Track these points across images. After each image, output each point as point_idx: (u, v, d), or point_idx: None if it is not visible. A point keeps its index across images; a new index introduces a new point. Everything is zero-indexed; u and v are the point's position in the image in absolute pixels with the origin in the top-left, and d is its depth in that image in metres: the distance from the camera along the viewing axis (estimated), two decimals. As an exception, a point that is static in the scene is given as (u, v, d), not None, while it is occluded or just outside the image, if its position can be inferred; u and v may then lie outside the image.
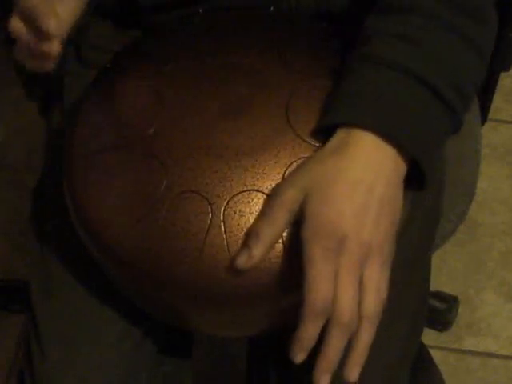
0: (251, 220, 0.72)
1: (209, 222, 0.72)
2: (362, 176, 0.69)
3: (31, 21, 0.74)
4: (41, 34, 0.73)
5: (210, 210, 0.73)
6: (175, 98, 0.79)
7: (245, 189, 0.73)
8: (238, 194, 0.73)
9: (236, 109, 0.77)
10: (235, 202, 0.73)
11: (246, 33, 0.84)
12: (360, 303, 0.69)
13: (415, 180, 0.74)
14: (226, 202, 0.73)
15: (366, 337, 0.71)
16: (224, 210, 0.73)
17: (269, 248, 0.71)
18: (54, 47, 0.74)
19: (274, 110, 0.76)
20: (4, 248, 1.55)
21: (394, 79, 0.72)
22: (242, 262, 0.70)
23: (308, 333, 0.69)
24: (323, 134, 0.74)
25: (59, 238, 0.91)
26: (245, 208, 0.73)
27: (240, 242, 0.72)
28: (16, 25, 0.75)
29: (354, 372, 0.70)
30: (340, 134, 0.71)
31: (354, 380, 0.70)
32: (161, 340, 0.90)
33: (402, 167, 0.72)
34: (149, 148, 0.76)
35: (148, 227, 0.73)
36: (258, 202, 0.73)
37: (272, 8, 0.86)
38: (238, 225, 0.72)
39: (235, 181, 0.73)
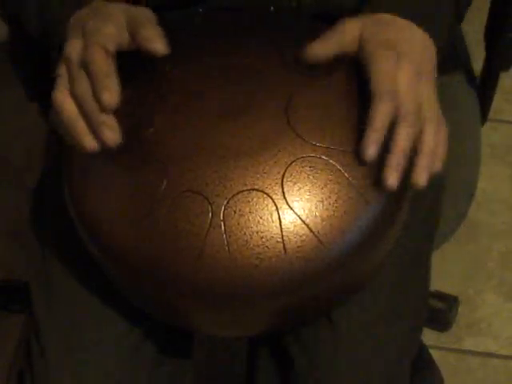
0: (251, 219, 0.72)
1: (209, 221, 0.72)
2: (407, 25, 0.77)
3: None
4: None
5: (210, 209, 0.73)
6: (175, 98, 0.79)
7: (245, 188, 0.73)
8: (237, 193, 0.73)
9: (236, 109, 0.77)
10: (235, 202, 0.73)
11: (247, 33, 0.83)
12: (419, 108, 0.73)
13: None
14: (226, 202, 0.73)
15: (430, 140, 0.73)
16: (224, 210, 0.73)
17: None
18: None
19: (273, 110, 0.76)
20: (4, 248, 1.55)
21: None
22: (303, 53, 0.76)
23: (379, 121, 0.71)
24: (323, 133, 0.74)
25: (59, 238, 0.91)
26: (245, 207, 0.73)
27: (240, 241, 0.72)
28: (67, 101, 0.75)
29: (422, 176, 0.72)
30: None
31: (423, 184, 0.72)
32: (161, 340, 0.90)
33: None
34: (149, 148, 0.76)
35: (148, 227, 0.73)
36: (257, 201, 0.73)
37: (272, 8, 0.86)
38: (238, 224, 0.72)
39: (235, 180, 0.73)
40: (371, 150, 0.71)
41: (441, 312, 1.45)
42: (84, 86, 0.73)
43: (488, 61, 1.10)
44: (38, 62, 1.07)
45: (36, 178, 1.01)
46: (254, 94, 0.77)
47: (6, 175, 1.65)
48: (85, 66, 0.74)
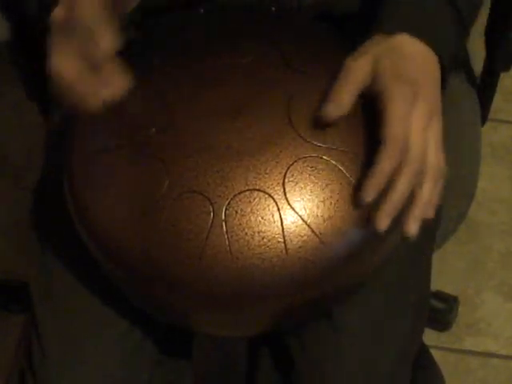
0: (252, 219, 0.72)
1: (210, 221, 0.72)
2: (417, 50, 0.76)
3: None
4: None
5: (211, 209, 0.73)
6: (176, 98, 0.79)
7: (246, 188, 0.73)
8: (239, 193, 0.73)
9: (237, 109, 0.77)
10: (237, 202, 0.73)
11: (248, 33, 0.83)
12: (425, 154, 0.72)
13: None
14: (227, 202, 0.73)
15: (427, 192, 0.72)
16: (225, 210, 0.73)
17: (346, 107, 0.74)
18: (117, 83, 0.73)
19: (275, 110, 0.76)
20: (4, 248, 1.55)
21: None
22: (329, 111, 0.74)
23: (385, 167, 0.70)
24: (325, 133, 0.74)
25: (59, 238, 0.91)
26: (246, 208, 0.73)
27: (241, 241, 0.72)
28: (65, 63, 0.73)
29: (414, 226, 0.71)
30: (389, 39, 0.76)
31: (413, 233, 0.72)
32: (161, 340, 0.90)
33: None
34: (150, 148, 0.76)
35: (149, 227, 0.73)
36: (259, 201, 0.73)
37: (273, 8, 0.86)
38: (240, 224, 0.72)
39: (237, 181, 0.73)
40: (368, 196, 0.71)
41: (441, 312, 1.45)
42: (78, 41, 0.71)
43: (488, 61, 1.10)
44: (38, 62, 1.07)
45: (36, 178, 1.01)
46: (256, 94, 0.77)
47: (6, 175, 1.65)
48: (75, 22, 0.71)
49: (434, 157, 0.73)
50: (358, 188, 0.73)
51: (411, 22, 0.77)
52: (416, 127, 0.72)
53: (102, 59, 0.71)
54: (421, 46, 0.76)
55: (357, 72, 0.74)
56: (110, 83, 0.72)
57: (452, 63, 0.80)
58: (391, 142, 0.71)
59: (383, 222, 0.71)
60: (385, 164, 0.71)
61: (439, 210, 0.97)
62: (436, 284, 1.39)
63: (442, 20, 0.79)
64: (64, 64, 0.73)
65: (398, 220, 0.77)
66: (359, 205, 0.72)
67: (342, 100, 0.74)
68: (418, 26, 0.77)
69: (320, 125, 0.75)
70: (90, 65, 0.72)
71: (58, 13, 0.74)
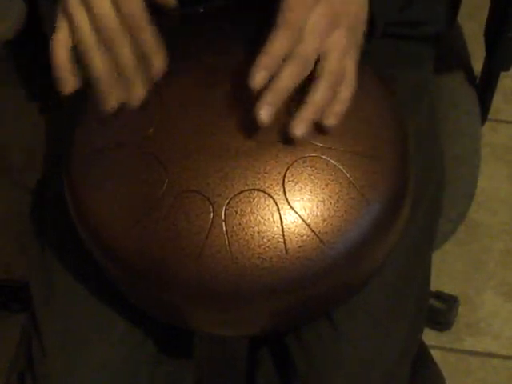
0: (252, 219, 0.72)
1: (210, 221, 0.72)
2: None
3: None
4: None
5: (211, 209, 0.73)
6: (175, 97, 0.79)
7: (246, 188, 0.73)
8: (239, 193, 0.73)
9: (237, 108, 0.77)
10: (236, 202, 0.73)
11: (248, 32, 0.83)
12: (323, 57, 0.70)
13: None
14: (227, 202, 0.73)
15: (317, 93, 0.71)
16: (225, 210, 0.73)
17: None
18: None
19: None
20: (4, 248, 1.55)
21: None
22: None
23: (270, 51, 0.69)
24: (324, 133, 0.74)
25: (59, 238, 0.91)
26: (246, 207, 0.73)
27: (241, 241, 0.72)
28: (97, 56, 0.71)
29: (299, 127, 0.71)
30: None
31: (297, 134, 0.71)
32: (161, 340, 0.90)
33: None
34: (149, 148, 0.76)
35: (149, 227, 0.73)
36: (259, 201, 0.73)
37: (273, 8, 0.86)
38: (240, 224, 0.72)
39: (236, 180, 0.73)
40: (258, 78, 0.69)
41: (441, 312, 1.45)
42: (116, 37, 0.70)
43: (488, 61, 1.10)
44: (38, 62, 1.07)
45: (36, 178, 1.01)
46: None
47: (6, 175, 1.65)
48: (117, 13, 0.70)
49: (333, 63, 0.71)
50: (357, 187, 0.73)
51: None
52: (312, 22, 0.70)
53: (133, 63, 0.71)
54: None
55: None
56: (132, 88, 0.72)
57: (385, 15, 0.78)
58: (284, 24, 0.70)
59: (264, 111, 0.70)
60: (272, 46, 0.69)
61: (439, 210, 0.97)
62: (436, 284, 1.39)
63: None
64: (98, 57, 0.72)
65: (397, 215, 0.77)
66: (250, 89, 0.70)
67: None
68: None
69: (320, 124, 0.75)
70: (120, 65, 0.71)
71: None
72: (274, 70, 0.70)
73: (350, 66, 0.73)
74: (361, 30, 0.75)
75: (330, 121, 0.72)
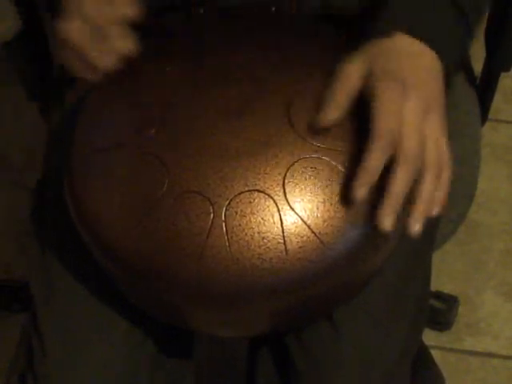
0: (253, 220, 0.72)
1: (210, 222, 0.72)
2: (414, 51, 0.75)
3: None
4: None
5: (211, 210, 0.73)
6: (176, 98, 0.79)
7: (246, 189, 0.73)
8: (239, 194, 0.73)
9: (237, 109, 0.77)
10: (237, 203, 0.73)
11: (248, 33, 0.83)
12: (423, 149, 0.71)
13: None
14: (227, 203, 0.73)
15: (427, 188, 0.71)
16: (225, 211, 0.73)
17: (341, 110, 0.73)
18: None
19: (275, 111, 0.76)
20: (4, 248, 1.55)
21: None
22: (325, 116, 0.73)
23: (373, 162, 0.70)
24: (325, 134, 0.74)
25: (59, 238, 0.91)
26: (246, 208, 0.73)
27: (241, 242, 0.72)
28: (76, 32, 0.76)
29: (416, 225, 0.70)
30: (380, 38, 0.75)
31: (417, 233, 0.70)
32: (161, 340, 0.90)
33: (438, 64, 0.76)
34: (150, 148, 0.76)
35: (149, 227, 0.73)
36: (259, 202, 0.73)
37: (274, 8, 0.86)
38: (240, 225, 0.72)
39: (236, 181, 0.73)
40: (359, 193, 0.70)
41: (441, 312, 1.45)
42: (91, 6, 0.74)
43: (488, 61, 1.10)
44: (39, 62, 1.07)
45: (36, 178, 1.01)
46: (256, 95, 0.77)
47: (6, 175, 1.65)
48: None
49: (434, 152, 0.72)
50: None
51: (408, 21, 0.76)
52: (408, 121, 0.71)
53: (111, 26, 0.74)
54: (419, 45, 0.75)
55: (350, 75, 0.74)
56: (115, 49, 0.75)
57: (456, 63, 0.79)
58: (378, 135, 0.70)
59: (386, 221, 0.70)
60: (372, 158, 0.70)
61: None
62: (436, 284, 1.39)
63: (444, 19, 0.78)
64: (72, 26, 0.75)
65: (398, 220, 0.77)
66: (352, 202, 0.71)
67: (337, 104, 0.74)
68: (416, 25, 0.76)
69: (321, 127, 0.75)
70: (97, 31, 0.74)
71: None
72: (374, 182, 0.70)
73: (445, 147, 0.73)
74: (442, 98, 0.75)
75: (437, 210, 0.72)
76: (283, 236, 0.72)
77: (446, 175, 0.73)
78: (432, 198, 0.71)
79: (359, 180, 0.70)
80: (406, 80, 0.73)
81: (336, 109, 0.74)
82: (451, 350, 1.45)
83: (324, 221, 0.73)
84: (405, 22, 0.76)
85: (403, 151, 0.70)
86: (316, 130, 0.75)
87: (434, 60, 0.76)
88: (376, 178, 0.70)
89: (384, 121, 0.71)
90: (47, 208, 0.95)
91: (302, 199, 0.73)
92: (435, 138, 0.72)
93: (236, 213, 0.72)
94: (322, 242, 0.72)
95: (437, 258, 0.98)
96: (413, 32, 0.75)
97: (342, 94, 0.74)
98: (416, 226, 0.71)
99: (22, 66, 1.06)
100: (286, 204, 0.73)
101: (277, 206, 0.73)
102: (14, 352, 0.92)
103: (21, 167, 1.64)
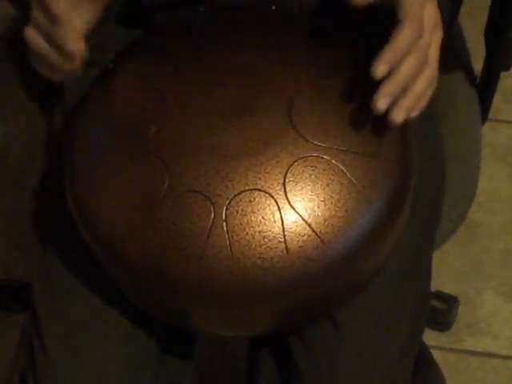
0: (253, 219, 0.72)
1: (211, 221, 0.72)
2: None
3: (51, 39, 0.75)
4: (63, 52, 0.75)
5: (212, 209, 0.73)
6: (177, 97, 0.79)
7: (247, 188, 0.73)
8: (239, 193, 0.73)
9: (238, 108, 0.77)
10: (237, 202, 0.73)
11: (248, 32, 0.84)
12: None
13: None
14: (228, 202, 0.73)
15: (423, 83, 0.73)
16: (226, 210, 0.73)
17: None
18: (77, 63, 0.75)
19: (276, 110, 0.76)
20: (5, 248, 1.55)
21: None
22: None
23: (401, 43, 0.70)
24: (325, 133, 0.74)
25: (60, 238, 0.91)
26: (247, 207, 0.73)
27: (242, 241, 0.72)
28: (33, 38, 0.76)
29: (400, 115, 0.72)
30: None
31: (398, 122, 0.72)
32: (163, 341, 0.90)
33: None
34: (151, 148, 0.76)
35: (150, 227, 0.73)
36: (259, 201, 0.73)
37: (274, 7, 0.86)
38: (241, 224, 0.72)
39: (237, 180, 0.73)
40: (380, 70, 0.71)
41: (441, 312, 1.45)
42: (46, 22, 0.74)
43: (488, 61, 1.10)
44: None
45: (36, 178, 1.01)
46: (256, 94, 0.77)
47: (6, 175, 1.65)
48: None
49: (434, 60, 0.74)
50: (358, 187, 0.73)
51: None
52: (429, 14, 0.73)
53: (65, 42, 0.74)
54: None
55: None
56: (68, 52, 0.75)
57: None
58: (412, 18, 0.71)
59: (384, 100, 0.71)
60: (398, 42, 0.71)
61: (439, 210, 0.97)
62: (436, 284, 1.39)
63: None
64: (35, 37, 0.76)
65: (397, 215, 0.77)
66: (373, 74, 0.71)
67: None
68: None
69: (321, 124, 0.75)
70: (54, 44, 0.75)
71: None
72: (396, 64, 0.71)
73: (436, 48, 0.75)
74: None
75: (399, 116, 0.73)
76: (284, 235, 0.72)
77: (435, 73, 0.75)
78: (423, 94, 0.74)
79: (385, 55, 0.71)
80: None
81: None
82: (451, 349, 1.45)
83: (325, 220, 0.73)
84: None
85: (421, 42, 0.72)
86: (317, 129, 0.75)
87: None
88: (399, 61, 0.71)
89: (413, 9, 0.72)
90: (47, 208, 0.95)
91: (303, 198, 0.73)
92: (437, 48, 0.75)
93: (237, 212, 0.72)
94: (322, 240, 0.72)
95: (437, 258, 0.98)
96: None
97: None
98: (399, 117, 0.72)
99: (22, 66, 1.06)
100: (287, 203, 0.73)
101: (277, 205, 0.73)
102: (14, 352, 0.92)
103: (21, 167, 1.64)
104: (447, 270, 1.52)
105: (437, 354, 1.09)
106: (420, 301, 0.92)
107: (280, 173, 0.74)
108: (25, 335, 0.91)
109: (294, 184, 0.73)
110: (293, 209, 0.73)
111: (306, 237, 0.72)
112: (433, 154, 0.95)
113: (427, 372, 1.05)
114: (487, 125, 1.15)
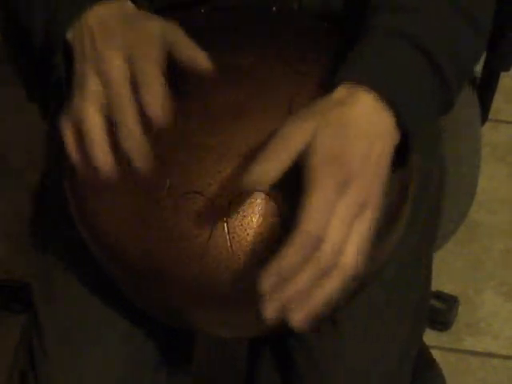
0: (254, 220, 0.72)
1: (212, 222, 0.72)
2: (367, 128, 0.67)
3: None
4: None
5: (212, 210, 0.73)
6: (176, 98, 0.78)
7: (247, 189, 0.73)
8: (240, 194, 0.73)
9: (238, 109, 0.76)
10: (238, 203, 0.73)
11: (248, 33, 0.83)
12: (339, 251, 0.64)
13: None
14: (228, 203, 0.73)
15: (328, 286, 0.65)
16: (227, 211, 0.73)
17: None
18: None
19: (276, 111, 0.76)
20: (5, 248, 1.55)
21: (391, 45, 0.72)
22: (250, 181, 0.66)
23: (282, 263, 0.64)
24: None
25: (60, 238, 0.91)
26: (247, 208, 0.72)
27: (243, 242, 0.72)
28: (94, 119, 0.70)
29: (297, 315, 0.64)
30: (341, 90, 0.70)
31: (296, 324, 0.64)
32: (162, 341, 0.90)
33: (395, 135, 0.69)
34: (151, 148, 0.76)
35: (151, 228, 0.73)
36: (260, 202, 0.73)
37: (274, 8, 0.86)
38: (241, 225, 0.72)
39: (238, 181, 0.73)
40: (266, 282, 0.64)
41: (441, 312, 1.45)
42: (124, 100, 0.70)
43: (488, 61, 1.10)
44: (38, 62, 1.07)
45: (36, 178, 1.01)
46: (256, 95, 0.77)
47: (6, 175, 1.65)
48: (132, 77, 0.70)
49: (351, 257, 0.65)
50: None
51: (377, 77, 0.70)
52: (338, 219, 0.64)
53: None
54: (379, 113, 0.68)
55: (293, 135, 0.67)
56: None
57: (422, 127, 0.73)
58: (300, 237, 0.64)
59: (268, 311, 0.64)
60: (286, 259, 0.64)
61: (439, 210, 0.97)
62: (436, 284, 1.39)
63: (420, 83, 0.72)
64: (95, 117, 0.70)
65: (398, 216, 0.77)
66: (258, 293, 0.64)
67: (260, 176, 0.67)
68: (385, 84, 0.69)
69: None
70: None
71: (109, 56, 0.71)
72: (286, 276, 0.64)
73: (368, 247, 0.66)
74: (380, 200, 0.68)
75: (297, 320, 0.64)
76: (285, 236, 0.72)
77: (351, 280, 0.66)
78: (325, 302, 0.65)
79: (271, 270, 0.64)
80: (352, 169, 0.65)
81: (266, 171, 0.67)
82: (451, 350, 1.45)
83: None
84: (372, 77, 0.70)
85: (318, 257, 0.64)
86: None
87: (392, 137, 0.69)
88: (288, 273, 0.64)
89: (312, 220, 0.64)
90: (47, 208, 0.95)
91: (303, 199, 0.73)
92: (360, 240, 0.65)
93: (237, 213, 0.72)
94: (322, 241, 0.72)
95: (437, 258, 0.98)
96: (381, 93, 0.68)
97: (279, 153, 0.67)
98: (298, 320, 0.64)
99: (22, 65, 1.06)
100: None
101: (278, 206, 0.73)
102: (13, 352, 0.92)
103: (21, 167, 1.64)
104: (447, 270, 1.52)
105: (437, 354, 1.09)
106: (420, 301, 0.92)
107: None
108: (25, 335, 0.91)
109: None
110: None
111: None
112: (433, 153, 0.95)
113: (427, 372, 1.05)
114: (487, 125, 1.15)
